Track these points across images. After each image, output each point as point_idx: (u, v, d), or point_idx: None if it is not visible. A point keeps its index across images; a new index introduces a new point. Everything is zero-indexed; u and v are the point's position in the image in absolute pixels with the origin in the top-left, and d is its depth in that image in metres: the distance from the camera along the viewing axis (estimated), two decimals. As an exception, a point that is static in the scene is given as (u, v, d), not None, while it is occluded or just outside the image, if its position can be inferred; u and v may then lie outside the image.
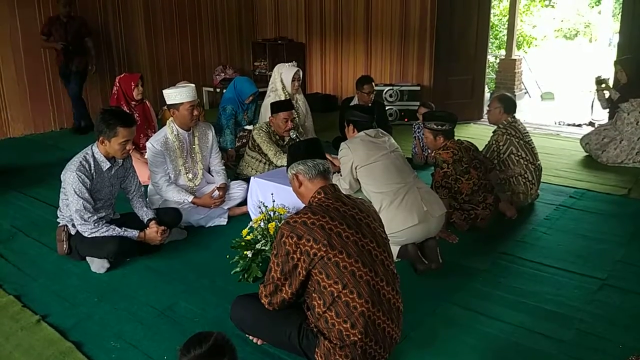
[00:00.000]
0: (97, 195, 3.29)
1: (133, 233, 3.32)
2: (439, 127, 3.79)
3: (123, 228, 3.31)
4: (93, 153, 3.26)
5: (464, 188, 3.75)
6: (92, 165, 3.23)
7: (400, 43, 7.94)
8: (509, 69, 9.93)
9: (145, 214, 3.52)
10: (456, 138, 3.89)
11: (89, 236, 3.23)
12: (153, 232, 3.39)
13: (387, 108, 7.27)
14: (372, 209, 2.39)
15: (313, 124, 5.95)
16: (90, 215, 3.21)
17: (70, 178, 3.16)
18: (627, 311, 2.84)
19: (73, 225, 3.32)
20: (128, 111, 4.76)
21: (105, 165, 3.29)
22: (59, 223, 3.43)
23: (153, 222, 3.45)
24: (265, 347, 2.48)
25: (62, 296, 3.00)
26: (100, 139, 3.19)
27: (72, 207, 3.20)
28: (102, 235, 3.23)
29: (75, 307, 2.89)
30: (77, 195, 3.16)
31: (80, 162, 3.20)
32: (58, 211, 3.45)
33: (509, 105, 4.33)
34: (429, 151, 5.28)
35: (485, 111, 7.57)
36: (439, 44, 7.54)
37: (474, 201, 3.78)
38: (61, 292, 3.04)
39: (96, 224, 3.23)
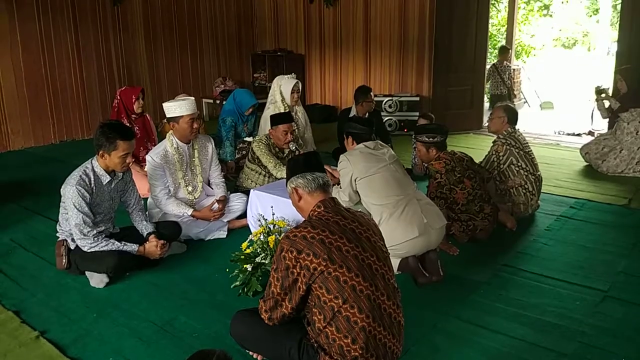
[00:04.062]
0: (96, 209, 3.29)
1: (132, 247, 3.31)
2: (431, 139, 3.81)
3: (122, 242, 3.30)
4: (93, 167, 3.26)
5: (459, 198, 3.75)
6: (92, 179, 3.23)
7: (399, 54, 7.97)
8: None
9: (144, 227, 3.51)
10: (450, 149, 3.91)
11: (89, 251, 3.22)
12: (152, 246, 3.38)
13: (386, 119, 7.30)
14: (372, 222, 2.38)
15: (313, 135, 5.96)
16: (89, 229, 3.20)
17: (70, 192, 3.16)
18: (629, 323, 2.82)
19: (72, 240, 3.31)
20: (128, 124, 4.77)
21: (105, 179, 3.28)
22: (59, 237, 3.41)
23: (152, 236, 3.44)
24: (265, 362, 2.46)
25: (61, 312, 2.98)
26: (100, 152, 3.19)
27: (71, 221, 3.19)
28: (101, 249, 3.21)
29: (74, 323, 2.87)
30: (77, 209, 3.15)
31: (80, 176, 3.19)
32: (57, 225, 3.43)
33: (513, 117, 4.36)
34: (427, 162, 5.28)
35: (485, 121, 7.61)
36: (438, 54, 7.57)
37: (471, 211, 3.77)
38: (60, 308, 3.02)
39: (96, 238, 3.22)
